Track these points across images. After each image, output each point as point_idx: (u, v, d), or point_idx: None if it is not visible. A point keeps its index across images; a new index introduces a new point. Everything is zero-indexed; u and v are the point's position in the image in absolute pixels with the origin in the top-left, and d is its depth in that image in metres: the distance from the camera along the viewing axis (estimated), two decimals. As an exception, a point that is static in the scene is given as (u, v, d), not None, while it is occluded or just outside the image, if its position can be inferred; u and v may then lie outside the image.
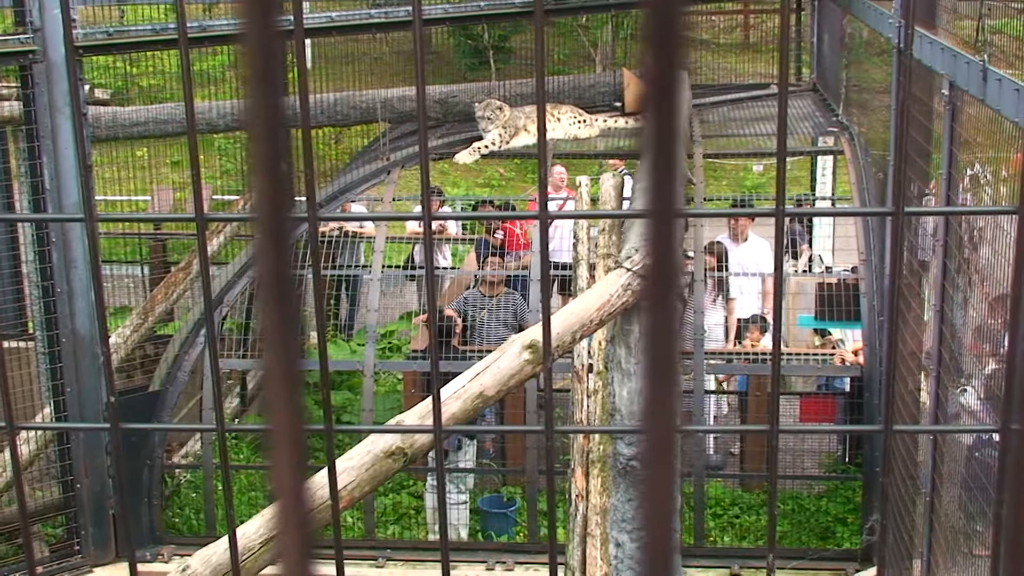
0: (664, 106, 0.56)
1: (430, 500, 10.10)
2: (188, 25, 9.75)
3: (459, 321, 10.47)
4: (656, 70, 0.56)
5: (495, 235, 12.22)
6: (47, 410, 9.17)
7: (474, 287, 11.32)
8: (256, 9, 0.58)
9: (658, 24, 0.56)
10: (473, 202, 16.43)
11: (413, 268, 12.71)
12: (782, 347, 9.38)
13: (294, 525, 0.62)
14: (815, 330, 11.66)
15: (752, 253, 11.44)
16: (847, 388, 10.45)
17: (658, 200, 0.58)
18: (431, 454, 6.54)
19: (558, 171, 13.31)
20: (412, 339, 12.31)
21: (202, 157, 14.88)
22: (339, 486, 5.30)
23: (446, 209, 13.88)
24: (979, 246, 6.63)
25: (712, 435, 10.55)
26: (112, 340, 9.79)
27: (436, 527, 10.02)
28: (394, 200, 11.16)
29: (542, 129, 1.29)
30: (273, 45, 0.57)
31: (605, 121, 11.70)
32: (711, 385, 10.90)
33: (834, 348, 10.84)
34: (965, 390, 6.72)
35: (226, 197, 14.68)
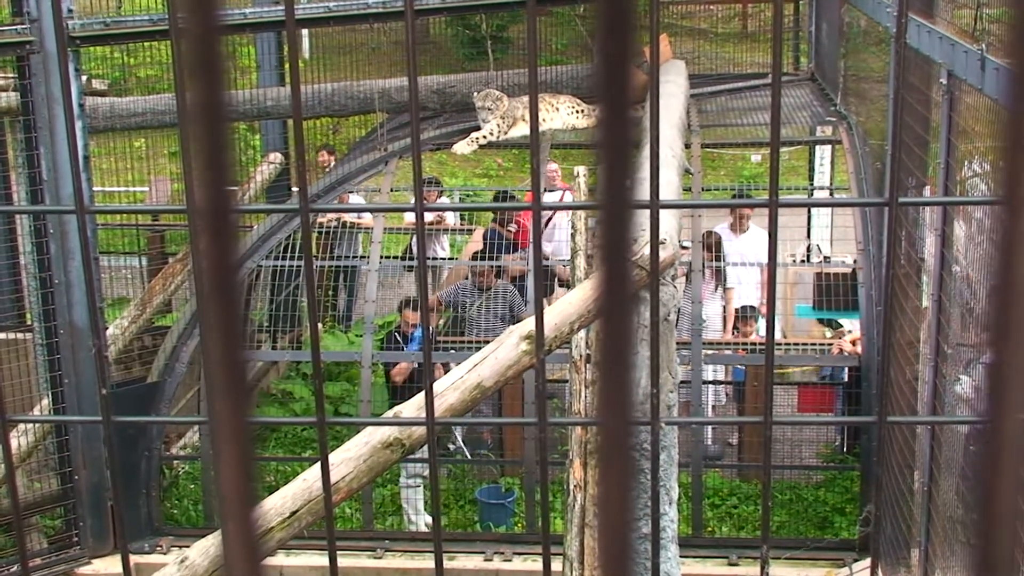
0: (617, 96, 0.55)
1: (404, 494, 10.12)
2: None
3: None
4: (608, 60, 0.55)
5: (508, 228, 12.13)
6: (45, 401, 9.16)
7: (469, 278, 11.31)
8: (196, 1, 0.57)
9: (611, 13, 0.55)
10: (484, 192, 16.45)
11: (411, 259, 12.69)
12: (782, 337, 9.37)
13: (240, 523, 0.61)
14: (826, 321, 11.63)
15: (753, 243, 11.44)
16: (845, 378, 10.47)
17: (611, 193, 0.57)
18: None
19: (551, 168, 13.21)
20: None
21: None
22: (337, 477, 5.30)
23: (444, 200, 13.86)
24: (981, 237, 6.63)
25: (710, 425, 10.55)
26: (110, 331, 9.79)
27: (415, 517, 10.03)
28: (392, 191, 11.14)
29: (534, 120, 1.29)
30: (213, 37, 0.57)
31: (603, 111, 11.65)
32: (710, 375, 10.90)
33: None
34: (959, 379, 6.72)
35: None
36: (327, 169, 14.46)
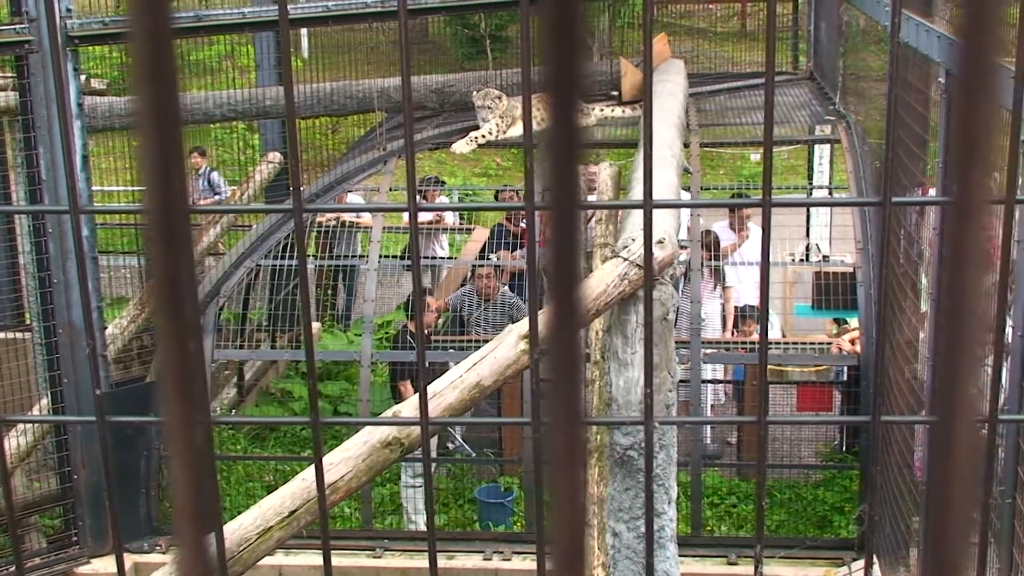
0: (565, 97, 0.55)
1: (406, 492, 10.13)
2: (183, 15, 9.72)
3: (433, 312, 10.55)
4: (556, 60, 0.55)
5: (519, 225, 12.07)
6: (44, 401, 9.16)
7: (470, 281, 11.28)
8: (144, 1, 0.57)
9: (558, 14, 0.55)
10: (483, 191, 16.45)
11: (410, 258, 12.66)
12: (781, 337, 9.33)
13: (190, 527, 0.61)
14: (835, 319, 11.61)
15: (753, 243, 11.44)
16: (844, 377, 10.47)
17: (560, 192, 0.57)
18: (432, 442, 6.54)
19: (591, 170, 13.23)
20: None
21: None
22: (336, 477, 5.30)
23: (443, 199, 13.85)
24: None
25: (708, 425, 10.55)
26: (109, 331, 9.79)
27: (415, 516, 10.03)
28: (391, 190, 11.14)
29: (528, 118, 1.29)
30: (163, 38, 0.56)
31: (602, 110, 11.68)
32: (709, 374, 10.90)
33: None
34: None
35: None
36: (199, 172, 14.45)
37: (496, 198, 14.48)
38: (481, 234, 12.88)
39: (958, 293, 0.58)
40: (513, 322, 10.64)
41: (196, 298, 0.60)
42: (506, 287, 11.14)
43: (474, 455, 10.81)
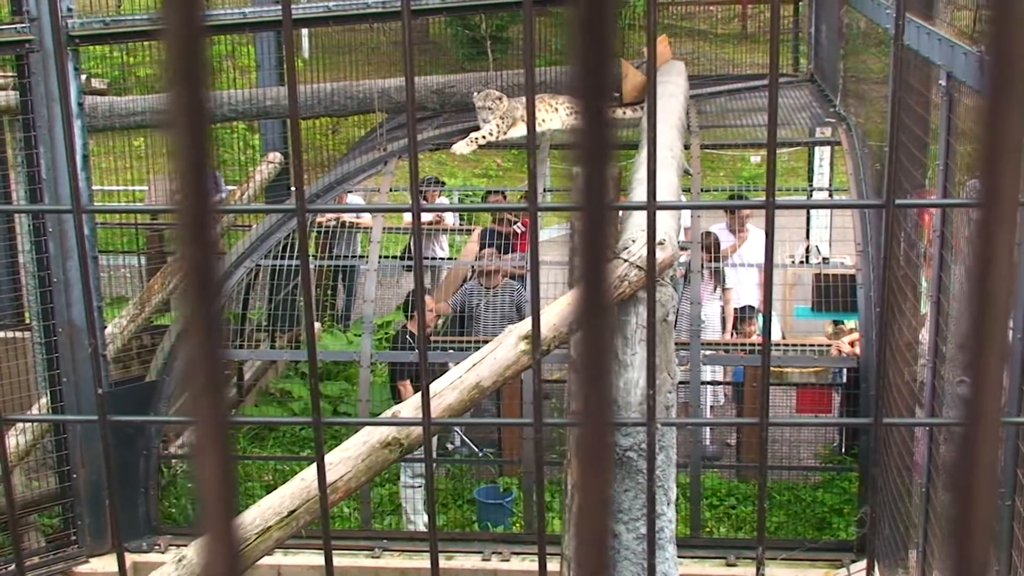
0: (595, 96, 0.55)
1: (405, 492, 10.13)
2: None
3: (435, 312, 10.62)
4: (585, 61, 0.55)
5: (515, 226, 12.01)
6: (44, 400, 9.16)
7: (473, 278, 11.30)
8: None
9: (588, 14, 0.55)
10: (483, 192, 16.47)
11: (410, 258, 12.68)
12: (781, 338, 9.32)
13: (220, 525, 0.61)
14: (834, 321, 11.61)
15: (755, 245, 11.44)
16: (844, 379, 10.47)
17: (590, 194, 0.57)
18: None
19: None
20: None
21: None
22: (335, 477, 5.30)
23: (443, 199, 13.84)
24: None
25: (708, 426, 10.56)
26: (108, 330, 9.79)
27: (414, 517, 10.03)
28: (391, 191, 11.14)
29: (531, 120, 1.29)
30: (196, 38, 0.57)
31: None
32: (708, 376, 10.90)
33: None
34: (963, 381, 6.70)
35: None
36: None
37: (484, 200, 14.50)
38: (479, 234, 12.87)
39: (984, 295, 0.58)
40: (519, 310, 10.69)
41: (222, 295, 0.61)
42: (508, 278, 11.13)
43: (480, 452, 10.81)
